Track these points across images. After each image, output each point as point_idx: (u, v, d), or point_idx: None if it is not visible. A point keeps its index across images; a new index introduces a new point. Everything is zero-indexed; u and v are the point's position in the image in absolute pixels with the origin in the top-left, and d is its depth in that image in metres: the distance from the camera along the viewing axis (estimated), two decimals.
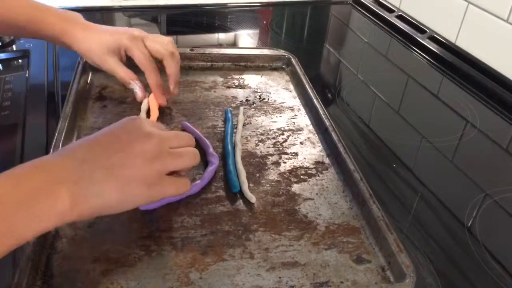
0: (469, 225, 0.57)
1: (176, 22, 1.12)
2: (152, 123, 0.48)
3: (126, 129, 0.45)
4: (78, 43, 0.64)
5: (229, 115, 0.67)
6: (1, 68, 0.81)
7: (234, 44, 1.03)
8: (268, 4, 1.23)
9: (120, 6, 1.09)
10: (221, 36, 1.06)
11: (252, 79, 0.79)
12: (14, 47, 0.86)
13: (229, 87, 0.76)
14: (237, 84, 0.77)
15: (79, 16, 0.66)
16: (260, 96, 0.75)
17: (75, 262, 0.45)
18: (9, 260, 0.45)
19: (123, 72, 0.65)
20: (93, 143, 0.43)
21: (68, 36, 0.64)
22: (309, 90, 0.73)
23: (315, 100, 0.71)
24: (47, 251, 0.46)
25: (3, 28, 0.64)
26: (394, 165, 0.66)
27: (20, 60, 0.83)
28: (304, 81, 0.75)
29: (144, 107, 0.67)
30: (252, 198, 0.54)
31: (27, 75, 0.77)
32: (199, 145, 0.60)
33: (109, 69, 0.65)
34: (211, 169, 0.57)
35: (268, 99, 0.74)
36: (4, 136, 0.65)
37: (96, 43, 0.64)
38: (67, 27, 0.64)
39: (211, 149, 0.60)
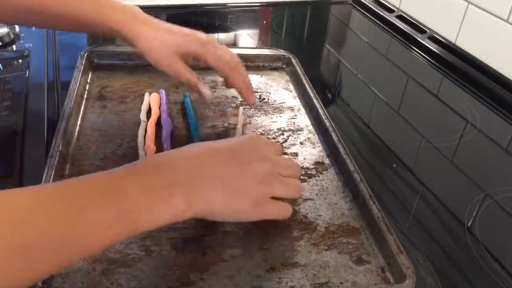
0: (469, 225, 0.57)
1: (176, 22, 1.12)
2: (270, 144, 0.50)
3: (247, 147, 0.47)
4: (142, 41, 0.60)
5: (187, 99, 0.69)
6: (1, 68, 0.81)
7: (234, 44, 1.03)
8: (268, 4, 1.23)
9: None
10: (221, 36, 1.06)
11: (252, 79, 0.78)
12: (14, 47, 0.86)
13: (229, 87, 0.76)
14: None
15: (138, 9, 0.62)
16: (260, 96, 0.75)
17: None
18: None
19: (190, 75, 0.62)
20: (212, 151, 0.45)
21: (130, 32, 0.60)
22: (309, 90, 0.73)
23: (315, 100, 0.70)
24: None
25: (58, 22, 0.61)
26: (394, 165, 0.66)
27: (20, 60, 0.83)
28: (304, 81, 0.75)
29: (144, 107, 0.67)
30: None
31: (27, 75, 0.77)
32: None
33: (174, 71, 0.62)
34: (164, 134, 0.62)
35: (268, 99, 0.74)
36: (4, 136, 0.65)
37: (163, 44, 0.60)
38: (129, 22, 0.59)
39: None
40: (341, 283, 0.46)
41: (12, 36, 0.87)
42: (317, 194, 0.56)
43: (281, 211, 0.48)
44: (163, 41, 0.60)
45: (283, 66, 0.83)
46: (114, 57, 0.76)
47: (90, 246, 0.37)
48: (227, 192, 0.43)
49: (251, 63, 0.82)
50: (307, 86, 0.74)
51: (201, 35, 0.62)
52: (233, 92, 0.75)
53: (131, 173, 0.41)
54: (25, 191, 0.36)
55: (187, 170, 0.42)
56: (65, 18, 0.59)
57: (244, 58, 0.81)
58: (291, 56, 0.82)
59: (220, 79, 0.78)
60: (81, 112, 0.66)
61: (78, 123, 0.64)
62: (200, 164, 0.43)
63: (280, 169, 0.48)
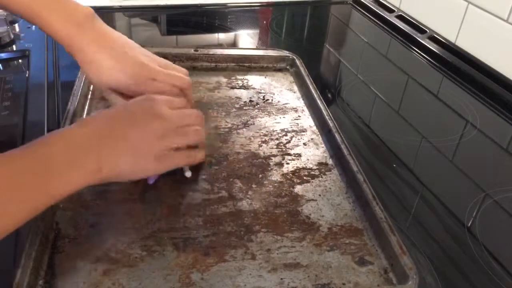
0: (469, 225, 0.57)
1: (176, 22, 1.12)
2: (166, 101, 0.53)
3: (141, 108, 0.50)
4: (84, 63, 0.55)
5: None
6: (1, 68, 0.81)
7: (234, 44, 1.03)
8: (268, 4, 1.23)
9: (120, 6, 1.09)
10: (221, 36, 1.06)
11: (256, 80, 0.79)
12: (14, 47, 0.86)
13: (233, 88, 0.76)
14: (241, 84, 0.77)
15: (90, 18, 0.55)
16: (263, 97, 0.75)
17: (77, 262, 0.46)
18: (11, 260, 0.45)
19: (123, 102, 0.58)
20: (112, 118, 0.48)
21: (73, 48, 0.55)
22: (313, 91, 0.73)
23: (319, 101, 0.70)
24: (49, 251, 0.46)
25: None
26: (394, 165, 0.66)
27: (20, 60, 0.83)
28: (308, 82, 0.75)
29: None
30: (188, 172, 0.56)
31: (27, 75, 0.77)
32: None
33: (109, 100, 0.59)
34: None
35: (271, 100, 0.74)
36: (4, 136, 0.65)
37: (103, 73, 0.55)
38: (74, 37, 0.54)
39: None
40: (344, 284, 0.46)
41: (12, 36, 0.86)
42: (320, 195, 0.57)
43: (187, 158, 0.53)
44: (104, 70, 0.55)
45: (287, 67, 0.83)
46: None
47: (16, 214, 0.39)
48: (132, 152, 0.47)
49: (255, 64, 0.82)
50: (311, 87, 0.74)
51: (146, 71, 0.57)
52: (236, 92, 0.75)
53: (36, 149, 0.42)
54: None
55: (93, 137, 0.45)
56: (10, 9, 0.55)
57: (248, 58, 0.81)
58: (295, 57, 0.82)
59: (223, 80, 0.78)
60: (85, 113, 0.66)
61: None
62: (103, 132, 0.46)
63: (177, 121, 0.52)
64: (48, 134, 0.44)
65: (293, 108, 0.72)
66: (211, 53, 0.80)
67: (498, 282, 0.50)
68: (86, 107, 0.67)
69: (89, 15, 0.55)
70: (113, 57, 0.55)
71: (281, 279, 0.46)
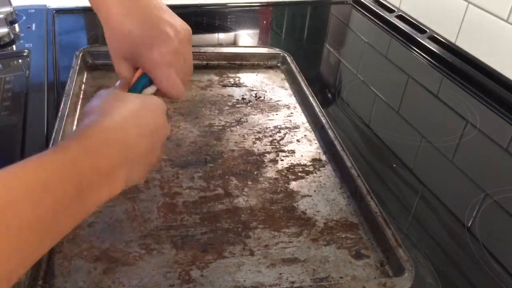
0: (469, 225, 0.57)
1: None
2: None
3: (152, 112, 0.44)
4: (105, 26, 0.50)
5: None
6: (1, 68, 0.81)
7: (234, 45, 1.03)
8: (268, 4, 1.23)
9: None
10: (221, 36, 1.06)
11: (247, 78, 0.79)
12: (14, 47, 0.86)
13: (225, 86, 0.76)
14: (232, 82, 0.77)
15: None
16: (256, 94, 0.75)
17: (76, 261, 0.46)
18: None
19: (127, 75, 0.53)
20: (125, 125, 0.42)
21: (101, 12, 0.50)
22: (305, 88, 0.73)
23: (311, 98, 0.71)
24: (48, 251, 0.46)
25: None
26: (394, 165, 0.66)
27: (20, 60, 0.83)
28: (300, 79, 0.76)
29: None
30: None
31: (27, 75, 0.77)
32: None
33: (115, 68, 0.53)
34: None
35: (264, 97, 0.74)
36: (4, 136, 0.65)
37: (117, 39, 0.51)
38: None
39: None
40: (341, 277, 0.46)
41: (12, 36, 0.86)
42: (315, 191, 0.57)
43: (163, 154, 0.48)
44: (120, 35, 0.50)
45: (278, 64, 0.83)
46: (109, 57, 0.75)
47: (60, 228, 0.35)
48: (146, 165, 0.43)
49: (246, 62, 0.82)
50: (302, 84, 0.74)
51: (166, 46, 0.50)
52: (228, 90, 0.75)
53: (84, 153, 0.38)
54: None
55: (118, 152, 0.40)
56: None
57: (239, 56, 0.82)
58: (286, 55, 0.82)
59: (215, 78, 0.78)
60: (77, 112, 0.66)
61: (75, 122, 0.64)
62: (124, 145, 0.41)
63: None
64: (88, 135, 0.39)
65: (286, 105, 0.73)
66: (202, 51, 0.80)
67: (498, 282, 0.50)
68: (79, 107, 0.67)
69: None
70: (132, 22, 0.49)
71: (280, 274, 0.46)
